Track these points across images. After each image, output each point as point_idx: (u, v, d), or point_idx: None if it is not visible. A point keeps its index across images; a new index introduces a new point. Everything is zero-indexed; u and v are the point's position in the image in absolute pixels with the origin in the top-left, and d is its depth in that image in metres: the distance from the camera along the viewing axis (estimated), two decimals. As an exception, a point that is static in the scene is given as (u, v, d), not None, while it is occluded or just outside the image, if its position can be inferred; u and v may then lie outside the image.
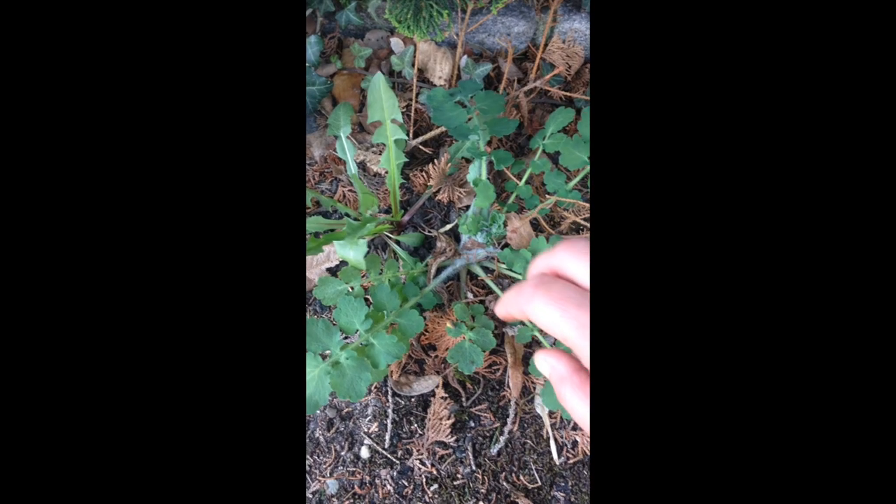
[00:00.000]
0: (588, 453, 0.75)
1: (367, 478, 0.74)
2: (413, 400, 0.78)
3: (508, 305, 0.32)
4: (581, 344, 0.28)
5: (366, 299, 0.77)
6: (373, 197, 0.73)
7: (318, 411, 0.76)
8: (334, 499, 0.73)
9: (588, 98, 0.90)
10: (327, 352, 0.60)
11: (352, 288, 0.70)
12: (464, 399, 0.78)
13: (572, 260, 0.30)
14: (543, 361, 0.33)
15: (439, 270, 0.79)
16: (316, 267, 0.83)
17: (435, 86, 0.94)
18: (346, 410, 0.78)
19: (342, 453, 0.75)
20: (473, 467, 0.75)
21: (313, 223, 0.78)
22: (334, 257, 0.83)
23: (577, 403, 0.30)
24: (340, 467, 0.75)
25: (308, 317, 0.82)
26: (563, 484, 0.75)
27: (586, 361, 0.28)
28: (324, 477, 0.74)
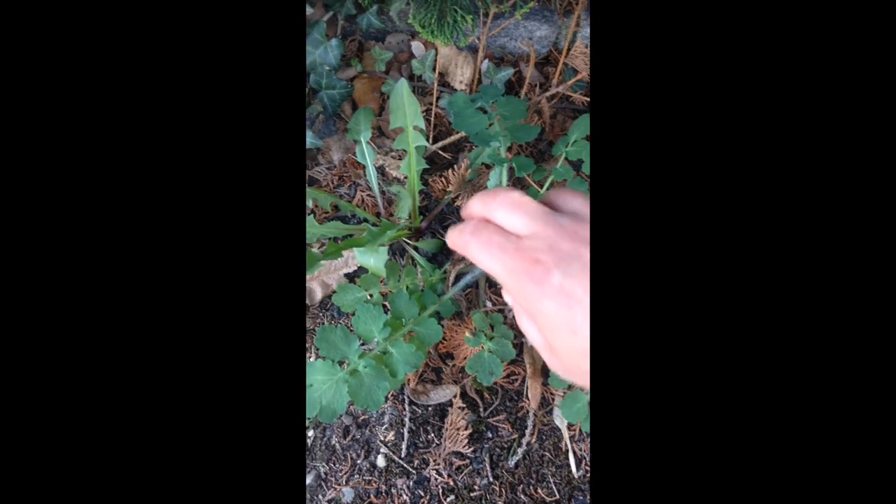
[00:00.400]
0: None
1: (384, 487, 0.73)
2: (430, 409, 0.77)
3: (454, 243, 0.38)
4: (506, 280, 0.33)
5: (383, 306, 0.76)
6: (408, 199, 0.72)
7: (334, 418, 0.75)
8: (349, 507, 0.73)
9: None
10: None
11: (371, 295, 0.69)
12: (481, 409, 0.77)
13: (499, 210, 0.35)
14: (506, 294, 0.40)
15: (458, 278, 0.78)
16: (334, 272, 0.82)
17: (455, 90, 0.93)
18: (362, 418, 0.77)
19: (358, 461, 0.75)
20: (491, 479, 0.74)
21: (332, 228, 0.77)
22: (353, 262, 0.82)
23: (529, 327, 0.36)
24: (356, 475, 0.74)
25: (325, 323, 0.81)
26: (581, 498, 0.74)
27: (513, 294, 0.33)
28: (339, 485, 0.73)
